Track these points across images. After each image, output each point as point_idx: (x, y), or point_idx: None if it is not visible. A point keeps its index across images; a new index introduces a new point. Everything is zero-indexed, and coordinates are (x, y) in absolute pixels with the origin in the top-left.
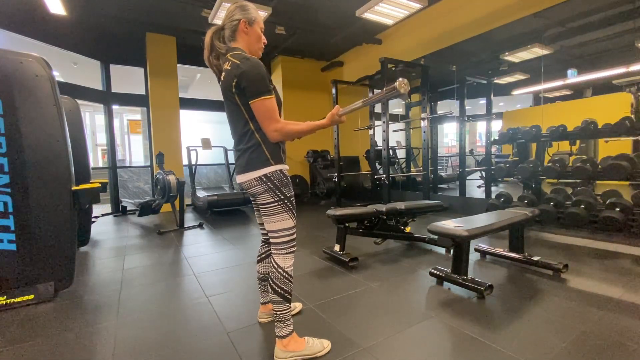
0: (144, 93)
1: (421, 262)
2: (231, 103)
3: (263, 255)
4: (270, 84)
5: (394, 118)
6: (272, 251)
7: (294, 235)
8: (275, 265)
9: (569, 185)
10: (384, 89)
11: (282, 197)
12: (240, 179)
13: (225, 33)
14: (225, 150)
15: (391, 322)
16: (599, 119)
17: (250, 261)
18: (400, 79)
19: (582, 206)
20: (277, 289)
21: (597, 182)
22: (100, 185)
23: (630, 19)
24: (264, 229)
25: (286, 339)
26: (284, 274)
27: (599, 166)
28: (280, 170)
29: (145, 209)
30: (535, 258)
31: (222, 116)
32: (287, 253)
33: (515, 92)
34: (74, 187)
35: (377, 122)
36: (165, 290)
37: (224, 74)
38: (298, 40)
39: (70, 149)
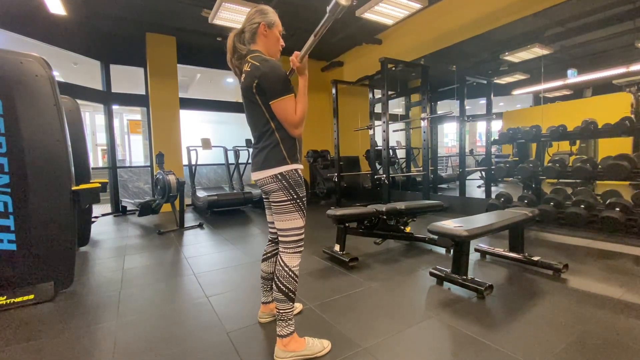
0: (144, 93)
1: (421, 262)
2: (251, 103)
3: (269, 255)
4: (289, 84)
5: (394, 118)
6: (280, 249)
7: (303, 235)
8: (282, 264)
9: (569, 185)
10: (327, 9)
11: (295, 196)
12: (255, 175)
13: (245, 36)
14: (225, 150)
15: (391, 322)
16: (599, 119)
17: (250, 261)
18: None
19: (582, 206)
20: (282, 287)
21: (597, 182)
22: (100, 185)
23: (630, 19)
24: (273, 227)
25: (286, 338)
26: (290, 272)
27: (599, 166)
28: (296, 170)
29: (145, 209)
30: (535, 258)
31: (222, 116)
32: (294, 252)
33: (515, 92)
34: (74, 187)
35: (377, 122)
36: (165, 290)
37: (244, 75)
38: (298, 40)
39: (70, 149)
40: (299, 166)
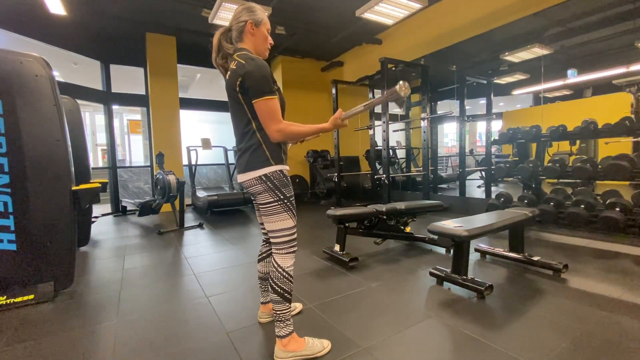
0: (144, 93)
1: (421, 262)
2: (235, 102)
3: (264, 255)
4: (274, 85)
5: (394, 118)
6: (273, 251)
7: (294, 235)
8: (276, 265)
9: (569, 185)
10: (385, 92)
11: (281, 197)
12: (240, 178)
13: (233, 34)
14: (225, 150)
15: (391, 322)
16: (599, 119)
17: (250, 261)
18: (402, 82)
19: (582, 206)
20: (277, 288)
21: (597, 182)
22: (100, 185)
23: (630, 19)
24: (265, 229)
25: (286, 338)
26: (284, 273)
27: (599, 166)
28: (281, 171)
29: (145, 209)
30: (535, 258)
31: (222, 116)
32: (287, 253)
33: (515, 92)
34: (74, 187)
35: (377, 122)
36: (165, 290)
37: (229, 72)
38: (298, 40)
39: (70, 149)
40: (284, 167)
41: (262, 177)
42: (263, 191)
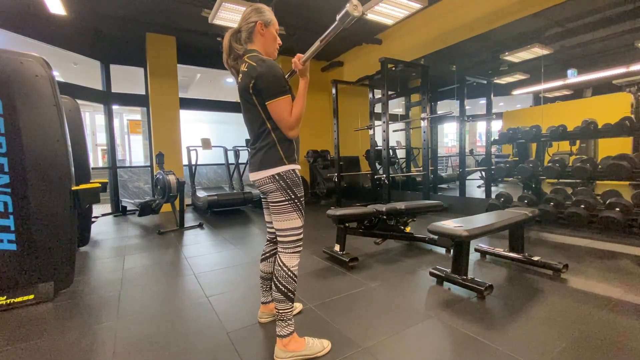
0: (144, 93)
1: (421, 262)
2: (248, 103)
3: (267, 254)
4: (286, 84)
5: (394, 118)
6: (279, 249)
7: (301, 235)
8: (281, 264)
9: (569, 185)
10: (337, 17)
11: (292, 196)
12: (253, 176)
13: (242, 35)
14: (225, 150)
15: (391, 322)
16: (599, 119)
17: (250, 261)
18: (352, 0)
19: (582, 206)
20: (281, 287)
21: (597, 182)
22: (100, 185)
23: (630, 19)
24: (272, 228)
25: (286, 338)
26: (289, 272)
27: (599, 166)
28: (293, 170)
29: (145, 209)
30: (535, 258)
31: (221, 116)
32: (293, 252)
33: (515, 92)
34: (74, 187)
35: (377, 122)
36: (165, 290)
37: (240, 75)
38: (298, 40)
39: (70, 149)
40: (297, 166)
41: (275, 175)
42: (275, 190)
